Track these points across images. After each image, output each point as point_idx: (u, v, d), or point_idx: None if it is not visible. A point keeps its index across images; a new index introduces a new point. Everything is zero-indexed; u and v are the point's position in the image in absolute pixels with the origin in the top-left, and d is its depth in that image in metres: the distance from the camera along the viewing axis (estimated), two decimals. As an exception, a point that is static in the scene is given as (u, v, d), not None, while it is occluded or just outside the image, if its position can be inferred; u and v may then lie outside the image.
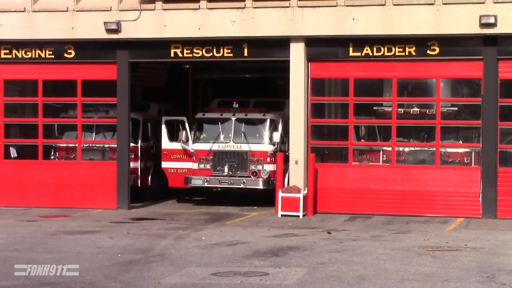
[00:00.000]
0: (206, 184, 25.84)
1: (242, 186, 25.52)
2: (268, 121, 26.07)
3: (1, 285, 13.52)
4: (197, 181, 25.87)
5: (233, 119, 26.08)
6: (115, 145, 25.62)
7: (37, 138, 26.25)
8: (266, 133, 26.00)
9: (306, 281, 13.74)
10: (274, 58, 24.90)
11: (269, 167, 25.54)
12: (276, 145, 25.59)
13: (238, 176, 25.69)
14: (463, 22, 22.91)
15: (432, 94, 24.46)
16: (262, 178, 25.52)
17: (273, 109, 26.45)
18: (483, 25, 22.71)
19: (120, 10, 24.83)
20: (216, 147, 26.01)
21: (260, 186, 25.47)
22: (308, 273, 14.43)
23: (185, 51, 24.96)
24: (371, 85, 25.02)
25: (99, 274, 14.39)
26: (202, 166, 26.14)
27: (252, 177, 25.65)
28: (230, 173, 25.73)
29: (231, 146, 25.91)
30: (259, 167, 25.64)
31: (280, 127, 25.93)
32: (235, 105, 26.19)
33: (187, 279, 13.95)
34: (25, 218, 23.08)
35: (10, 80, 26.73)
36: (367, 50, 23.85)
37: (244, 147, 25.81)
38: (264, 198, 25.78)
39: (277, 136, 25.45)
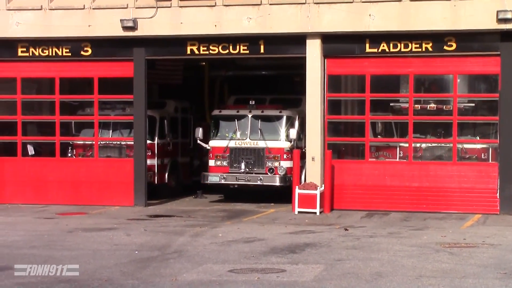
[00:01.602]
0: (223, 181, 25.86)
1: (259, 183, 25.50)
2: (284, 118, 26.07)
3: (19, 281, 13.57)
4: (213, 178, 25.90)
5: (250, 116, 26.09)
6: (132, 142, 25.67)
7: (54, 136, 26.35)
8: (282, 130, 25.99)
9: (323, 278, 13.73)
10: (290, 54, 24.88)
11: (286, 164, 25.53)
12: (292, 142, 25.57)
13: (255, 173, 25.70)
14: (480, 17, 22.81)
15: (449, 90, 24.40)
16: (279, 174, 25.50)
17: (290, 106, 26.43)
18: (500, 20, 22.60)
19: (136, 8, 24.87)
20: (232, 144, 26.02)
21: (277, 183, 25.45)
22: (325, 270, 14.42)
23: (201, 48, 24.98)
24: (387, 81, 24.96)
25: (116, 271, 14.43)
26: (218, 163, 26.17)
27: (268, 174, 25.63)
28: (247, 170, 25.75)
29: (248, 143, 25.92)
30: (276, 164, 25.63)
31: (296, 123, 25.94)
32: (252, 102, 26.18)
33: (204, 276, 13.96)
34: (43, 216, 23.18)
35: (27, 78, 26.84)
36: (383, 46, 23.79)
37: (261, 144, 25.81)
38: (280, 195, 25.77)
39: (293, 133, 25.44)
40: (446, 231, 19.66)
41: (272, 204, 25.64)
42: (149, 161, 26.16)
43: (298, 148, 25.17)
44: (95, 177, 25.79)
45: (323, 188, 23.70)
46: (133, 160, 25.48)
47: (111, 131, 26.81)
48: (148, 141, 26.17)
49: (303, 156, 24.64)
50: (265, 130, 26.00)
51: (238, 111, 26.34)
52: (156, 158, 27.22)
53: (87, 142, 26.81)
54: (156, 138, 27.41)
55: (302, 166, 24.83)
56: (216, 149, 26.26)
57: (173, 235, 18.89)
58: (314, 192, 23.43)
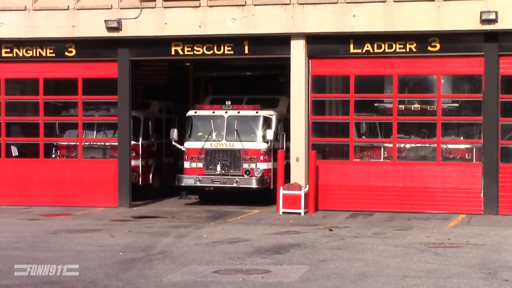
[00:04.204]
0: (198, 184, 25.33)
1: (235, 185, 24.97)
2: (261, 118, 25.52)
3: (3, 284, 13.53)
4: (189, 180, 25.38)
5: (226, 116, 25.55)
6: (116, 143, 25.62)
7: (38, 137, 26.26)
8: (259, 131, 25.48)
9: (308, 278, 13.74)
10: (274, 55, 24.88)
11: (263, 166, 25.10)
12: (269, 143, 25.14)
13: (231, 175, 25.17)
14: (463, 18, 22.89)
15: (433, 91, 24.46)
16: (255, 176, 24.97)
17: (267, 106, 26.00)
18: (484, 21, 22.69)
19: (120, 8, 24.82)
20: (208, 145, 25.51)
21: (254, 185, 24.95)
22: (309, 270, 14.43)
23: (185, 49, 24.95)
24: (372, 81, 25.02)
25: (101, 272, 14.40)
26: (194, 165, 25.60)
27: (245, 176, 25.12)
28: (223, 172, 25.20)
29: (224, 144, 25.40)
30: (252, 165, 25.13)
31: (273, 124, 25.47)
32: (228, 103, 25.65)
33: (188, 277, 13.95)
34: (27, 217, 23.09)
35: (11, 79, 26.75)
36: (367, 46, 23.83)
37: (237, 145, 25.28)
38: (258, 197, 25.59)
39: (270, 134, 24.95)
40: (431, 231, 19.72)
41: (256, 205, 25.58)
42: (133, 162, 26.10)
43: (275, 149, 25.02)
44: (79, 178, 25.70)
45: (307, 188, 23.70)
46: (117, 161, 25.43)
47: (95, 132, 26.72)
48: (133, 142, 26.10)
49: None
50: (242, 131, 25.43)
51: (213, 112, 25.74)
52: (140, 159, 27.15)
53: (71, 143, 26.73)
54: (141, 139, 27.34)
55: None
56: (191, 151, 25.73)
57: (157, 236, 18.86)
58: (299, 193, 23.43)
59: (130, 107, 25.31)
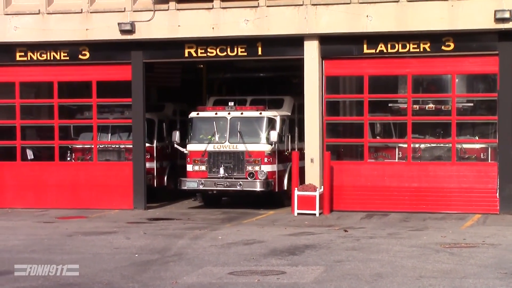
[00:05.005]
0: (201, 187, 24.87)
1: (238, 188, 24.48)
2: (265, 120, 24.95)
3: (20, 285, 13.58)
4: (191, 184, 24.90)
5: (229, 118, 25.03)
6: (131, 146, 25.66)
7: (53, 140, 26.35)
8: (263, 132, 24.96)
9: (323, 279, 13.73)
10: (288, 56, 24.86)
11: (267, 168, 24.61)
12: (273, 145, 24.65)
13: (235, 178, 24.63)
14: (477, 17, 22.83)
15: (447, 90, 24.41)
16: (259, 179, 24.44)
17: (272, 107, 25.63)
18: (498, 20, 22.62)
19: (134, 11, 24.88)
20: (211, 147, 24.98)
21: (258, 188, 24.39)
22: (325, 271, 14.42)
23: (199, 50, 24.97)
24: (385, 82, 24.98)
25: (117, 274, 14.43)
26: (196, 168, 25.11)
27: (249, 178, 24.55)
28: (226, 174, 24.70)
29: (227, 146, 24.86)
30: (256, 168, 24.56)
31: (277, 125, 25.03)
32: (231, 104, 25.20)
33: (204, 279, 13.96)
34: (43, 220, 23.16)
35: (25, 83, 26.83)
36: (381, 47, 23.80)
37: (240, 147, 24.73)
38: (265, 199, 25.36)
39: (274, 135, 24.38)
40: (446, 231, 19.66)
41: (273, 207, 25.57)
42: (148, 164, 26.14)
43: (280, 151, 24.87)
44: (94, 180, 25.77)
45: (322, 189, 23.68)
46: (132, 163, 25.48)
47: (109, 134, 26.80)
48: (147, 144, 26.14)
49: (286, 159, 24.52)
50: (245, 132, 24.86)
51: (216, 113, 25.22)
52: (155, 161, 27.21)
53: (86, 146, 26.78)
54: (155, 141, 27.41)
55: (284, 169, 24.67)
56: (194, 153, 25.17)
57: (172, 238, 18.89)
58: (314, 194, 23.41)
59: (144, 109, 25.36)
